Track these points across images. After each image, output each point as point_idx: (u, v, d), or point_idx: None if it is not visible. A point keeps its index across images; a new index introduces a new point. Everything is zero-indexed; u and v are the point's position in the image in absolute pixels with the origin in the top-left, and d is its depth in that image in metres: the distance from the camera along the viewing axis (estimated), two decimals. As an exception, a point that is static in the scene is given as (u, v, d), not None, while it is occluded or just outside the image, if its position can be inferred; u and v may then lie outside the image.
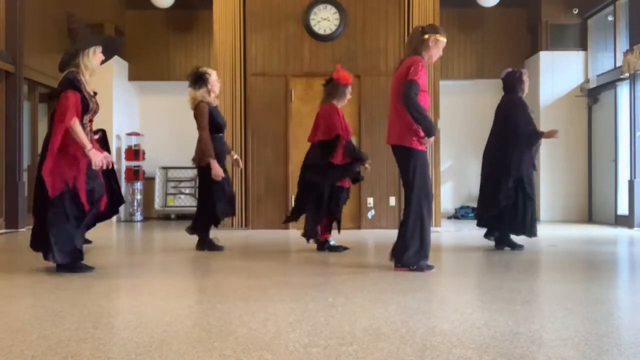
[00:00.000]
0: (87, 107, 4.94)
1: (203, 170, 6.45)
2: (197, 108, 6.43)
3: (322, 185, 6.35)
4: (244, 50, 9.90)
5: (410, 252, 4.99)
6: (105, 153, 4.97)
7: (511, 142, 6.52)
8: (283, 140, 9.83)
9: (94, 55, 5.02)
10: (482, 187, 6.84)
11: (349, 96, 6.61)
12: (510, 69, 6.90)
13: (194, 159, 6.51)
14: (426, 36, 5.07)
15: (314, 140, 6.57)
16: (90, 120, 5.06)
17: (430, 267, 5.02)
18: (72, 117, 4.78)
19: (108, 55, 5.22)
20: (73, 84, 4.87)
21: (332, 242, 6.57)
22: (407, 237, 4.98)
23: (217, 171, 6.32)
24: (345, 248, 6.56)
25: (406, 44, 5.31)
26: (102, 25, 11.27)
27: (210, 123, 6.41)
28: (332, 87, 6.50)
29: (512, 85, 6.72)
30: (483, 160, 6.85)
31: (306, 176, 6.49)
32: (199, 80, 6.46)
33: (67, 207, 4.83)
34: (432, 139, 4.99)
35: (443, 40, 5.14)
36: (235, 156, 6.92)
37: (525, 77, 6.76)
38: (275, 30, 9.92)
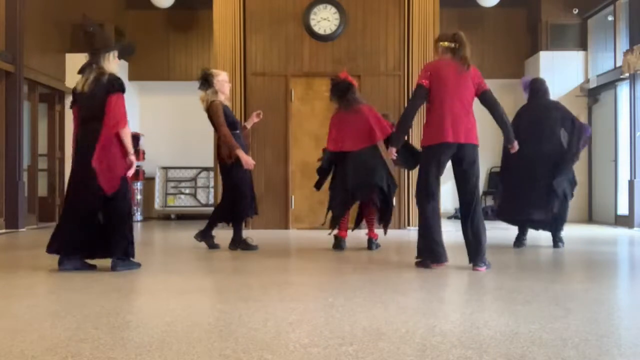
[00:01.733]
0: None
1: (228, 168, 6.46)
2: (211, 107, 6.43)
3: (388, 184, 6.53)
4: (244, 50, 9.90)
5: (485, 249, 5.18)
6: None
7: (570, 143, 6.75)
8: (283, 140, 9.83)
9: (114, 59, 5.11)
10: (532, 189, 6.76)
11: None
12: (531, 77, 7.34)
13: (221, 157, 6.52)
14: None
15: (365, 145, 6.51)
16: None
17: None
18: (126, 122, 4.97)
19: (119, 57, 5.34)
20: (123, 87, 4.99)
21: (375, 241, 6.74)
22: (482, 234, 5.16)
23: (247, 159, 6.34)
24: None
25: (460, 50, 5.29)
26: (102, 25, 11.25)
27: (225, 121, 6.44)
28: (355, 93, 6.64)
29: (543, 91, 6.98)
30: (533, 163, 6.73)
31: (377, 182, 6.49)
32: (205, 82, 6.50)
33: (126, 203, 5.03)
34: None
35: (443, 45, 5.35)
36: (255, 118, 6.94)
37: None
38: (275, 30, 9.92)
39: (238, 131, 6.59)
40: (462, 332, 2.99)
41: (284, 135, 9.83)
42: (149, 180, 12.37)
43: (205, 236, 6.65)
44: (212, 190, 11.63)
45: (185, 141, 12.34)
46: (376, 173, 6.44)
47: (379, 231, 6.79)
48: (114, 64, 5.09)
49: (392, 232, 7.19)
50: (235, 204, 6.51)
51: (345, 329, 3.05)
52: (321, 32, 9.89)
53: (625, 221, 10.00)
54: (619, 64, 10.49)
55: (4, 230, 9.23)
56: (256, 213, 6.81)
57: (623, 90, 10.64)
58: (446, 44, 5.25)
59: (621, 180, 10.59)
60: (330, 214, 6.67)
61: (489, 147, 11.99)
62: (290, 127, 9.84)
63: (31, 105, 10.59)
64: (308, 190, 9.63)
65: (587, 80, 11.67)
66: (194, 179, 12.24)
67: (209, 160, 10.59)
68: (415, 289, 4.32)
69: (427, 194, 5.19)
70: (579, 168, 11.71)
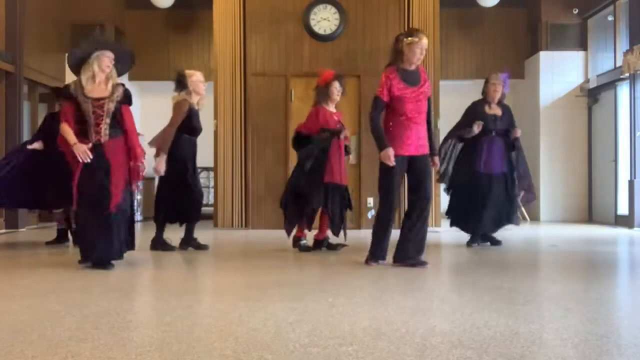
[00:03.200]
0: (82, 111, 5.12)
1: (169, 165, 6.41)
2: (177, 103, 6.44)
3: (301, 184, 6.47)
4: (244, 50, 9.89)
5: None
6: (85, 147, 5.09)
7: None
8: (283, 140, 9.82)
9: (95, 60, 5.13)
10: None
11: (335, 92, 6.62)
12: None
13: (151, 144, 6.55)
14: (400, 42, 5.26)
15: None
16: (98, 124, 5.15)
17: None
18: (62, 124, 5.14)
19: (122, 67, 5.36)
20: (59, 93, 5.30)
21: (303, 241, 6.59)
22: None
23: (160, 167, 6.29)
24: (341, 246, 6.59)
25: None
26: (103, 25, 11.26)
27: (185, 124, 6.39)
28: (316, 92, 6.69)
29: None
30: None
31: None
32: (178, 84, 6.52)
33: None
34: (387, 154, 5.17)
35: (415, 41, 5.22)
36: None
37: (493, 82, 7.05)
38: (275, 30, 9.92)
39: (194, 138, 6.58)
40: (462, 332, 2.99)
41: (284, 135, 9.82)
42: (149, 180, 12.35)
43: (156, 242, 6.64)
44: (212, 190, 11.62)
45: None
46: None
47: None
48: (94, 66, 5.18)
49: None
50: (161, 203, 6.55)
51: (345, 329, 3.05)
52: (321, 32, 9.89)
53: (625, 221, 10.00)
54: (619, 64, 10.49)
55: (4, 230, 9.23)
56: (171, 222, 6.74)
57: (623, 90, 10.64)
58: None
59: (621, 180, 10.59)
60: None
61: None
62: (290, 127, 9.81)
63: (31, 105, 10.59)
64: (308, 190, 9.65)
65: (587, 80, 11.67)
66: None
67: (209, 160, 10.58)
68: (415, 289, 4.32)
69: None
70: (579, 168, 11.79)
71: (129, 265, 5.54)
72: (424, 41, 5.25)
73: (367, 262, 5.42)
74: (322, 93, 6.60)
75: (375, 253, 5.44)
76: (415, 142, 5.26)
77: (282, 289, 4.31)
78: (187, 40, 12.37)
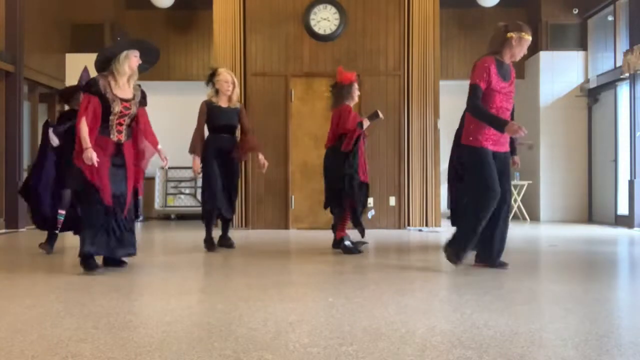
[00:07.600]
0: (107, 109, 5.05)
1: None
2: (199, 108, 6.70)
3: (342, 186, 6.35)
4: (244, 50, 9.90)
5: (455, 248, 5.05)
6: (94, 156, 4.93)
7: None
8: (283, 140, 9.83)
9: (125, 59, 5.14)
10: None
11: (358, 93, 6.63)
12: None
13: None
14: (509, 35, 5.10)
15: (327, 145, 6.61)
16: (120, 124, 5.16)
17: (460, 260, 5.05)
18: (80, 118, 4.95)
19: (147, 63, 5.37)
20: (87, 87, 5.08)
21: (347, 242, 6.42)
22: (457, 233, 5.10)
23: (195, 167, 6.66)
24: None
25: (488, 42, 5.23)
26: (102, 25, 11.26)
27: (208, 122, 6.64)
28: (337, 90, 6.55)
29: None
30: None
31: (330, 183, 6.50)
32: (208, 80, 6.74)
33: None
34: (514, 127, 4.77)
35: (527, 38, 5.16)
36: (260, 156, 6.94)
37: None
38: (275, 30, 9.92)
39: (223, 134, 6.64)
40: (462, 332, 2.99)
41: (284, 136, 9.83)
42: (149, 180, 12.36)
43: (205, 242, 6.70)
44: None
45: (185, 141, 12.18)
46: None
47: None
48: (125, 65, 5.16)
49: (392, 232, 7.19)
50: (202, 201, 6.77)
51: (345, 329, 3.05)
52: (321, 32, 9.89)
53: (625, 221, 10.00)
54: (619, 64, 10.49)
55: (4, 230, 9.23)
56: (224, 214, 6.68)
57: (623, 90, 10.64)
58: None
59: (621, 180, 10.59)
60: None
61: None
62: (290, 127, 9.83)
63: (31, 105, 10.59)
64: (308, 190, 9.66)
65: (587, 80, 11.67)
66: (194, 179, 12.22)
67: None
68: (415, 289, 4.32)
69: None
70: (579, 168, 11.79)
71: (128, 266, 5.54)
72: (530, 38, 5.19)
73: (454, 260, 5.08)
74: (348, 92, 6.50)
75: (467, 251, 5.10)
76: (499, 138, 5.06)
77: (282, 289, 4.31)
78: (187, 40, 12.37)
